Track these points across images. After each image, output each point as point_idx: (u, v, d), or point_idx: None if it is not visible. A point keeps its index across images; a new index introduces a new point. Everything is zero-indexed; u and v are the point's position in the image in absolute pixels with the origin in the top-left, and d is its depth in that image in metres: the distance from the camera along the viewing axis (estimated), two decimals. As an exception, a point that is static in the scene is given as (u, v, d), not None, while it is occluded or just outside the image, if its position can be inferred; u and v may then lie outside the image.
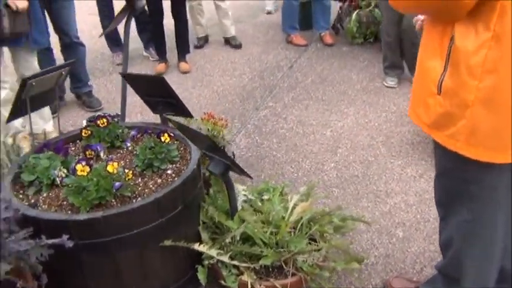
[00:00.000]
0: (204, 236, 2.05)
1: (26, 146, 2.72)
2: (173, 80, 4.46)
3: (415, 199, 2.74)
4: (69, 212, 1.82)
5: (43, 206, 1.86)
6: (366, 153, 3.20)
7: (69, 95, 4.12)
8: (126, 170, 1.88)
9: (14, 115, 2.10)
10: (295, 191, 2.64)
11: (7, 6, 2.68)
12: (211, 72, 4.63)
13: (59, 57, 3.97)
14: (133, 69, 4.70)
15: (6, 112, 3.03)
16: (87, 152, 2.13)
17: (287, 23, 5.22)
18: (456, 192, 1.69)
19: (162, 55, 4.69)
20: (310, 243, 2.05)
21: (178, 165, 2.09)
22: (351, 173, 3.02)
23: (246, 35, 5.55)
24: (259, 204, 2.22)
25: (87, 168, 1.80)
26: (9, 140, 3.25)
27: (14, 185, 1.96)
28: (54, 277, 1.91)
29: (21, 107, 2.05)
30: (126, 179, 1.87)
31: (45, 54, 3.76)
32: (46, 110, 3.32)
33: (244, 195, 2.29)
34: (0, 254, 1.49)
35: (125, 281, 1.86)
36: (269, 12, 6.40)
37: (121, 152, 2.21)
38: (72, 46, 3.81)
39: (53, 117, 3.79)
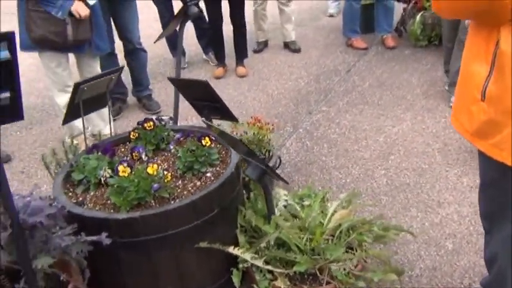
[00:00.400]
0: (241, 239, 2.07)
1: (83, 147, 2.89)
2: (230, 83, 4.55)
3: (470, 210, 2.60)
4: (112, 210, 1.91)
5: (89, 204, 1.98)
6: (420, 161, 3.07)
7: (131, 98, 4.31)
8: (165, 172, 1.94)
9: (68, 117, 2.24)
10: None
11: (70, 14, 2.87)
12: (267, 76, 4.66)
13: (123, 63, 4.18)
14: (193, 73, 4.85)
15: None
16: (133, 154, 2.23)
17: (347, 26, 5.14)
18: (501, 205, 1.60)
19: (220, 59, 4.79)
20: (347, 251, 2.00)
21: (218, 168, 2.13)
22: (402, 180, 2.91)
23: (306, 39, 5.53)
24: (298, 209, 2.21)
25: (128, 170, 1.89)
26: (68, 141, 3.47)
27: (65, 183, 2.10)
28: (96, 273, 2.01)
29: (75, 110, 2.18)
30: (165, 181, 1.93)
31: (109, 60, 3.97)
32: (106, 113, 3.49)
33: (285, 200, 2.29)
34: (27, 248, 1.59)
35: (161, 281, 1.93)
36: (331, 15, 6.33)
37: (166, 154, 2.29)
38: (134, 52, 4.00)
39: (114, 120, 4.00)
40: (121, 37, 3.95)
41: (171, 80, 2.55)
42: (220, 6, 4.51)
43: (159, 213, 1.82)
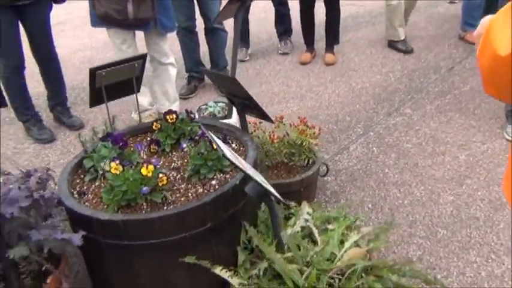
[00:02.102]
0: (242, 258, 1.85)
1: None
2: (314, 71, 4.24)
3: (546, 268, 2.07)
4: (105, 207, 1.82)
5: (89, 195, 1.91)
6: (501, 192, 2.53)
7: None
8: (161, 175, 1.79)
9: (93, 102, 2.19)
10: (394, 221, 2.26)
11: (131, -8, 2.81)
12: (356, 66, 4.25)
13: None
14: (280, 56, 4.60)
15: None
16: (151, 146, 2.12)
17: (465, 18, 4.46)
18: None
19: (309, 44, 4.47)
20: (354, 298, 1.69)
21: (228, 176, 1.93)
22: (471, 213, 2.42)
23: (415, 27, 4.95)
24: (316, 235, 1.93)
25: (120, 168, 1.77)
26: (136, 117, 3.50)
27: (77, 169, 2.06)
28: (88, 265, 1.97)
29: (99, 94, 2.11)
30: (160, 184, 1.78)
31: (190, 37, 3.92)
32: (171, 92, 3.44)
33: (306, 220, 2.01)
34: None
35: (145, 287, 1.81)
36: (452, 2, 5.59)
37: (186, 150, 2.13)
38: (213, 31, 3.89)
39: (187, 98, 3.97)
40: (201, 15, 3.85)
41: (206, 72, 2.37)
42: (313, -12, 4.18)
43: (141, 220, 1.68)
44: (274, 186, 2.31)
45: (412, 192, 2.62)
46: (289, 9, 4.56)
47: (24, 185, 1.68)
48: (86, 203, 1.86)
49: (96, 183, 1.98)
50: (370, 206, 2.55)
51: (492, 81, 0.89)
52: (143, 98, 3.41)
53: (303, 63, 4.40)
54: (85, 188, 1.96)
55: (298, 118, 2.53)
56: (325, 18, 4.31)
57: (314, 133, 2.42)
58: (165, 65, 3.33)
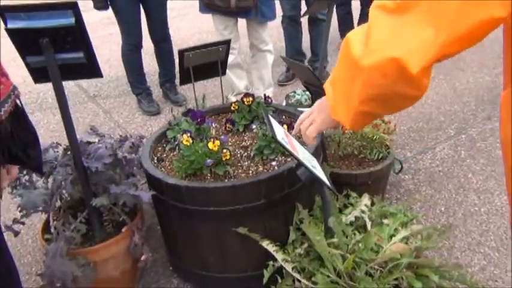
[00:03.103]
0: (293, 236, 1.97)
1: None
2: (417, 67, 4.10)
3: None
4: (176, 173, 2.05)
5: (167, 162, 2.16)
6: None
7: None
8: (224, 150, 1.96)
9: (183, 81, 2.43)
10: (461, 228, 2.22)
11: (235, -18, 3.01)
12: (465, 65, 4.03)
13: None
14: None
15: (232, 74, 3.49)
16: (227, 125, 2.31)
17: None
18: None
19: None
20: (390, 291, 1.71)
21: (288, 159, 2.04)
22: (554, 230, 2.24)
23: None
24: (368, 226, 1.97)
25: (191, 140, 1.98)
26: (233, 98, 3.74)
27: (161, 138, 2.32)
28: (160, 223, 2.23)
29: (188, 74, 2.35)
30: (224, 158, 1.96)
31: (293, 26, 4.05)
32: (267, 77, 3.61)
33: (362, 211, 2.06)
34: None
35: (204, 250, 2.01)
36: None
37: (255, 131, 2.29)
38: (316, 21, 3.98)
39: (284, 85, 4.12)
40: (306, 4, 3.95)
41: (284, 59, 2.49)
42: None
43: (201, 188, 1.87)
44: (341, 176, 2.40)
45: (492, 200, 2.49)
46: (351, 13, 4.46)
47: (112, 146, 1.96)
48: (162, 168, 2.11)
49: (174, 153, 2.22)
50: (442, 209, 2.48)
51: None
52: (240, 81, 3.63)
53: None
54: (164, 155, 2.22)
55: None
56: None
57: (389, 128, 2.41)
58: (263, 51, 3.50)
